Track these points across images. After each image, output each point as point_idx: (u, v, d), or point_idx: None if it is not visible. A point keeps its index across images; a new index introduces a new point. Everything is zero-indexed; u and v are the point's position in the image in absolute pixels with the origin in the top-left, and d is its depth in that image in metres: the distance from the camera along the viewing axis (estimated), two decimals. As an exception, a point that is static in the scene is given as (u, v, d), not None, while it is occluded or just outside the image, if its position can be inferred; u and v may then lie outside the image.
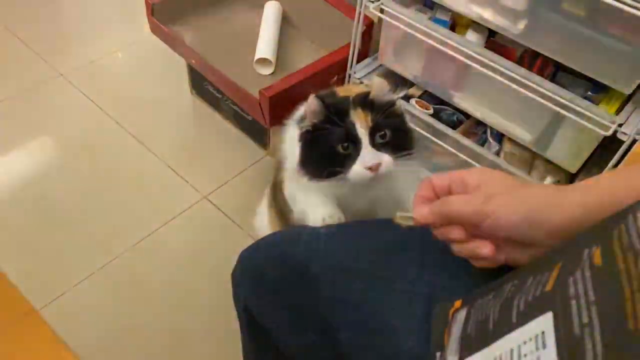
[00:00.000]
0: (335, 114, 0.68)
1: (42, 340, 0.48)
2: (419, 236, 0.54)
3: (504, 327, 0.36)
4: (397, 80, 1.24)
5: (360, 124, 0.67)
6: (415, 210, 0.48)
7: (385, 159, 0.67)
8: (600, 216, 0.39)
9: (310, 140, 0.71)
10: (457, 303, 0.46)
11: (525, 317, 0.35)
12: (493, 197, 0.44)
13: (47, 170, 1.37)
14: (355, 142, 0.67)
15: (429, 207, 0.47)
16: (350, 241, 0.57)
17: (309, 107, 0.68)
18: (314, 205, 0.73)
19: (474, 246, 0.46)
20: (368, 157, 0.66)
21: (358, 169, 0.67)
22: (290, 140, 0.76)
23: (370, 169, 0.66)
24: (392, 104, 0.71)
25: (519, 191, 0.45)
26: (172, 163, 1.40)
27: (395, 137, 0.69)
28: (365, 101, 0.70)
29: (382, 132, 0.68)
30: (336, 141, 0.67)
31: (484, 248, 0.45)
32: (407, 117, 0.77)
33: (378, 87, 0.71)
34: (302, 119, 0.73)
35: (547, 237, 0.42)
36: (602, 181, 0.43)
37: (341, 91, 0.78)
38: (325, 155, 0.69)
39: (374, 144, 0.67)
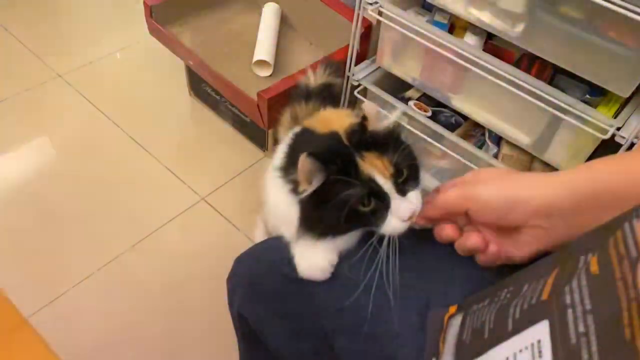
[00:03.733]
0: (341, 170, 0.52)
1: (33, 353, 0.48)
2: (414, 242, 0.54)
3: (499, 335, 0.36)
4: (394, 83, 1.23)
5: (380, 174, 0.53)
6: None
7: (415, 200, 0.54)
8: (586, 199, 0.41)
9: (314, 204, 0.55)
10: (452, 309, 0.45)
11: (521, 325, 0.34)
12: (479, 183, 0.47)
13: (44, 172, 1.36)
14: (379, 196, 0.53)
15: (428, 204, 0.50)
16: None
17: (303, 170, 0.52)
18: (308, 245, 0.57)
19: (463, 241, 0.48)
20: (403, 209, 0.53)
21: (396, 224, 0.53)
22: (275, 191, 0.60)
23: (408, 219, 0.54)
24: (398, 134, 0.58)
25: (505, 177, 0.47)
26: (170, 164, 1.40)
27: (411, 168, 0.56)
28: (368, 141, 0.55)
29: (402, 172, 0.55)
30: (355, 203, 0.52)
31: (469, 239, 0.48)
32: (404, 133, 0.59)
33: (372, 115, 0.56)
34: (288, 170, 0.58)
35: (532, 218, 0.43)
36: (592, 165, 0.45)
37: (317, 123, 0.63)
38: (343, 217, 0.53)
39: (399, 191, 0.54)
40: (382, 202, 0.53)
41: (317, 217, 0.55)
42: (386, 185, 0.53)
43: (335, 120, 0.62)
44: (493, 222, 0.47)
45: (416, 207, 0.53)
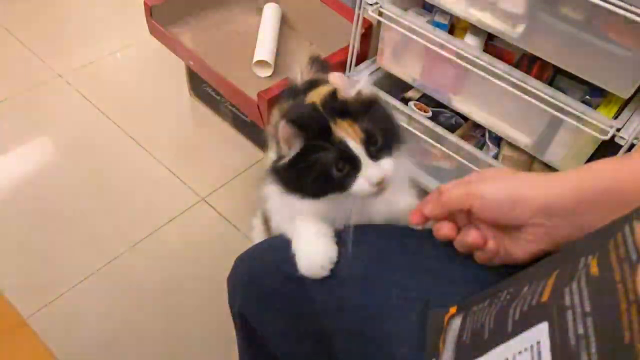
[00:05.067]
0: (316, 135, 0.56)
1: (33, 354, 0.48)
2: (414, 242, 0.54)
3: (499, 336, 0.36)
4: (395, 83, 1.23)
5: (352, 139, 0.57)
6: (416, 211, 0.52)
7: (387, 166, 0.58)
8: (589, 198, 0.41)
9: (292, 171, 0.59)
10: (453, 309, 0.45)
11: (521, 327, 0.34)
12: (482, 181, 0.47)
13: (44, 172, 1.36)
14: (351, 161, 0.57)
15: (431, 203, 0.51)
16: (345, 248, 0.57)
17: (282, 135, 0.56)
18: (308, 235, 0.60)
19: (461, 238, 0.49)
20: (372, 173, 0.56)
21: (363, 186, 0.57)
22: (273, 196, 0.63)
23: (376, 184, 0.57)
24: (372, 101, 0.61)
25: (509, 176, 0.48)
26: (170, 165, 1.40)
27: (385, 135, 0.59)
28: (340, 107, 0.59)
29: (375, 139, 0.58)
30: (328, 165, 0.56)
31: (468, 236, 0.48)
32: (389, 107, 0.63)
33: (339, 84, 0.60)
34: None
35: (534, 216, 0.44)
36: (595, 165, 0.45)
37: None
38: (318, 181, 0.57)
39: (371, 155, 0.57)
40: (353, 167, 0.56)
41: (297, 181, 0.58)
42: (357, 149, 0.56)
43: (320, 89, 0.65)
44: (495, 220, 0.47)
45: (386, 173, 0.57)
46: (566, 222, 0.43)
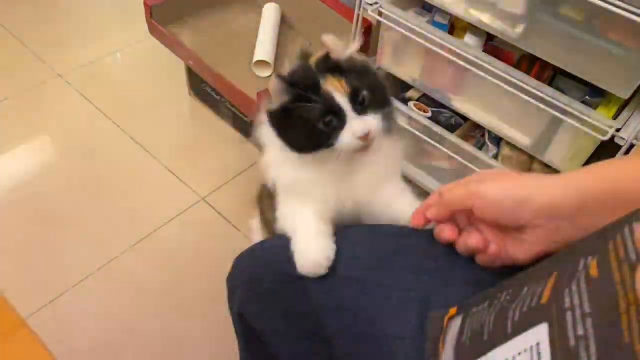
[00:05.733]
0: (306, 89, 0.60)
1: (32, 353, 0.48)
2: (414, 243, 0.54)
3: (498, 337, 0.36)
4: (394, 80, 1.24)
5: (339, 93, 0.60)
6: (417, 213, 0.52)
7: (372, 122, 0.60)
8: (593, 200, 0.41)
9: (284, 122, 0.63)
10: (452, 310, 0.45)
11: (521, 328, 0.34)
12: (484, 181, 0.47)
13: (44, 172, 1.36)
14: (337, 114, 0.60)
15: (433, 205, 0.51)
16: (345, 248, 0.57)
17: (273, 89, 0.61)
18: (305, 233, 0.61)
19: (463, 240, 0.49)
20: (356, 125, 0.60)
21: (347, 139, 0.60)
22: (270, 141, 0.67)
23: (361, 138, 0.60)
24: (364, 65, 0.65)
25: (511, 177, 0.47)
26: (170, 164, 1.40)
27: (373, 95, 0.62)
28: (331, 66, 0.62)
29: (361, 95, 0.61)
30: (317, 118, 0.60)
31: (470, 239, 0.48)
32: (380, 73, 0.70)
33: (333, 45, 0.63)
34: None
35: (537, 218, 0.43)
36: (599, 167, 0.44)
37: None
38: (308, 132, 0.61)
39: (357, 111, 0.60)
40: (339, 120, 0.60)
41: (289, 133, 0.63)
42: (343, 102, 0.60)
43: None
44: (496, 221, 0.47)
45: (371, 127, 0.60)
46: (568, 223, 0.42)
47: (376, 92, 0.63)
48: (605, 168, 0.44)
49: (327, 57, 0.63)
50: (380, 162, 0.66)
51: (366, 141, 0.60)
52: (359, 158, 0.63)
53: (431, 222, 0.53)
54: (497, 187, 0.46)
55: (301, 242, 0.58)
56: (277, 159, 0.66)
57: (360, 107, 0.61)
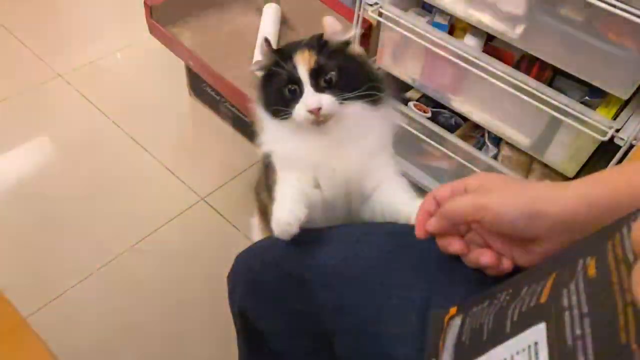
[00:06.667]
0: (282, 57, 0.68)
1: (32, 353, 0.48)
2: (414, 242, 0.54)
3: (497, 337, 0.36)
4: (394, 80, 1.24)
5: (303, 66, 0.66)
6: (418, 225, 0.49)
7: (325, 100, 0.65)
8: (606, 212, 0.39)
9: (264, 83, 0.72)
10: (453, 310, 0.46)
11: (519, 327, 0.35)
12: (491, 192, 0.45)
13: (44, 172, 1.36)
14: (298, 85, 0.66)
15: (434, 216, 0.48)
16: (345, 247, 0.57)
17: (261, 49, 0.70)
18: (283, 196, 0.65)
19: (475, 257, 0.47)
20: (308, 99, 0.65)
21: (300, 110, 0.66)
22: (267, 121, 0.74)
23: (311, 111, 0.65)
24: (343, 44, 0.70)
25: (518, 187, 0.45)
26: (170, 164, 1.40)
27: (344, 78, 0.67)
28: (314, 43, 0.69)
29: (327, 74, 0.66)
30: (282, 84, 0.67)
31: (483, 256, 0.46)
32: (369, 60, 0.74)
33: (330, 26, 0.69)
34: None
35: (549, 232, 0.42)
36: (609, 176, 0.43)
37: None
38: (275, 97, 0.69)
39: (317, 87, 0.66)
40: (299, 90, 0.66)
41: (265, 96, 0.71)
42: (303, 75, 0.66)
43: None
44: (506, 234, 0.45)
45: (322, 106, 0.65)
46: (580, 234, 0.41)
47: (350, 76, 0.68)
48: (616, 177, 0.42)
49: (320, 36, 0.70)
50: (367, 137, 0.70)
51: (317, 116, 0.65)
52: (336, 130, 0.68)
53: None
54: (505, 200, 0.43)
55: (277, 205, 0.61)
56: (270, 133, 0.73)
57: (324, 85, 0.66)
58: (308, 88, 0.66)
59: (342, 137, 0.69)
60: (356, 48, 0.72)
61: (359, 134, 0.69)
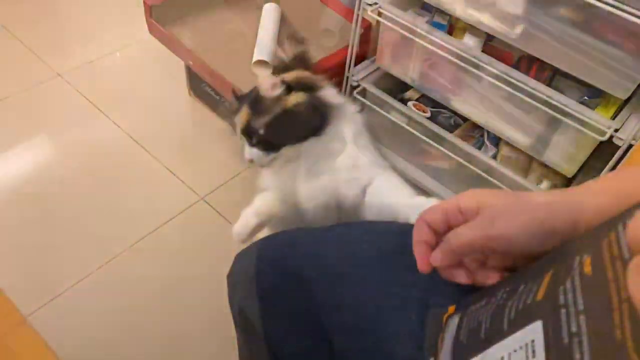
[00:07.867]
0: (234, 111, 0.83)
1: (32, 352, 0.48)
2: (412, 241, 0.54)
3: (495, 335, 0.36)
4: (393, 82, 1.24)
5: (239, 124, 0.80)
6: (420, 259, 0.46)
7: (255, 155, 0.80)
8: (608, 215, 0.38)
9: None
10: (451, 309, 0.46)
11: (516, 325, 0.35)
12: (497, 218, 0.42)
13: (44, 171, 1.37)
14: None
15: (438, 249, 0.45)
16: (345, 245, 0.57)
17: (229, 98, 0.87)
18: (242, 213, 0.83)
19: (481, 279, 0.45)
20: (244, 151, 0.81)
21: (245, 156, 0.82)
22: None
23: (250, 161, 0.81)
24: (276, 99, 0.78)
25: (521, 205, 0.43)
26: (170, 164, 1.40)
27: (272, 135, 0.78)
28: (250, 100, 0.80)
29: (256, 133, 0.78)
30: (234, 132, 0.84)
31: (489, 279, 0.45)
32: (310, 99, 0.81)
33: (264, 82, 0.79)
34: None
35: (559, 242, 0.41)
36: (618, 184, 0.42)
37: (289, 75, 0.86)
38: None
39: (251, 141, 0.80)
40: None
41: None
42: (239, 130, 0.81)
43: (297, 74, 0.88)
44: (517, 256, 0.43)
45: (255, 158, 0.81)
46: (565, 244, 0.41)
47: (278, 132, 0.78)
48: (613, 182, 0.42)
49: (257, 93, 0.80)
50: (301, 165, 0.82)
51: (252, 164, 0.80)
52: (291, 162, 0.81)
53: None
54: (516, 224, 0.41)
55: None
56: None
57: (254, 141, 0.79)
58: (244, 142, 0.81)
59: (304, 168, 0.80)
60: (291, 99, 0.79)
61: (319, 160, 0.80)
